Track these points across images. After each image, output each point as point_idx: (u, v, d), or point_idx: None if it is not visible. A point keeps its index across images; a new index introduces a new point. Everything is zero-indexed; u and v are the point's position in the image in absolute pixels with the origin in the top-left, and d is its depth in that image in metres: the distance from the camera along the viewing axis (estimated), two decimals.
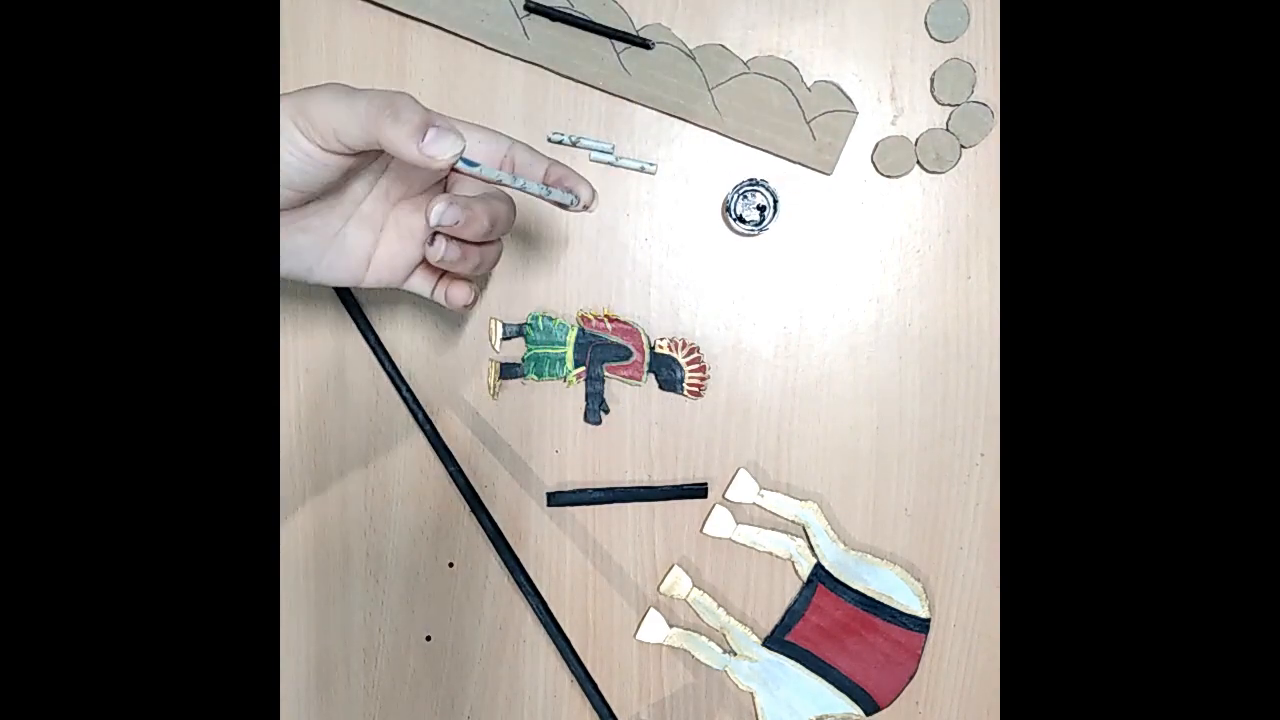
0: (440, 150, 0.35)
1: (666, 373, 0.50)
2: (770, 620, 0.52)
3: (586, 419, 0.50)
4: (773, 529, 0.51)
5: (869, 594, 0.51)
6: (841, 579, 0.51)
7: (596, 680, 0.51)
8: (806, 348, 0.51)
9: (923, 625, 0.51)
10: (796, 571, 0.51)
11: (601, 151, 0.49)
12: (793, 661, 0.51)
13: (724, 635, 0.51)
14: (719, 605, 0.51)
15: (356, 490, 0.51)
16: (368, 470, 0.51)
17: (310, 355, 0.51)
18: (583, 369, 0.50)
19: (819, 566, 0.51)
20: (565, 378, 0.50)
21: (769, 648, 0.51)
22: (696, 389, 0.50)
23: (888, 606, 0.51)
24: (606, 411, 0.50)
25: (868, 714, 0.52)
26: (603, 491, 0.50)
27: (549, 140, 0.49)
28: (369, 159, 0.39)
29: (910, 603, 0.51)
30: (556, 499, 0.50)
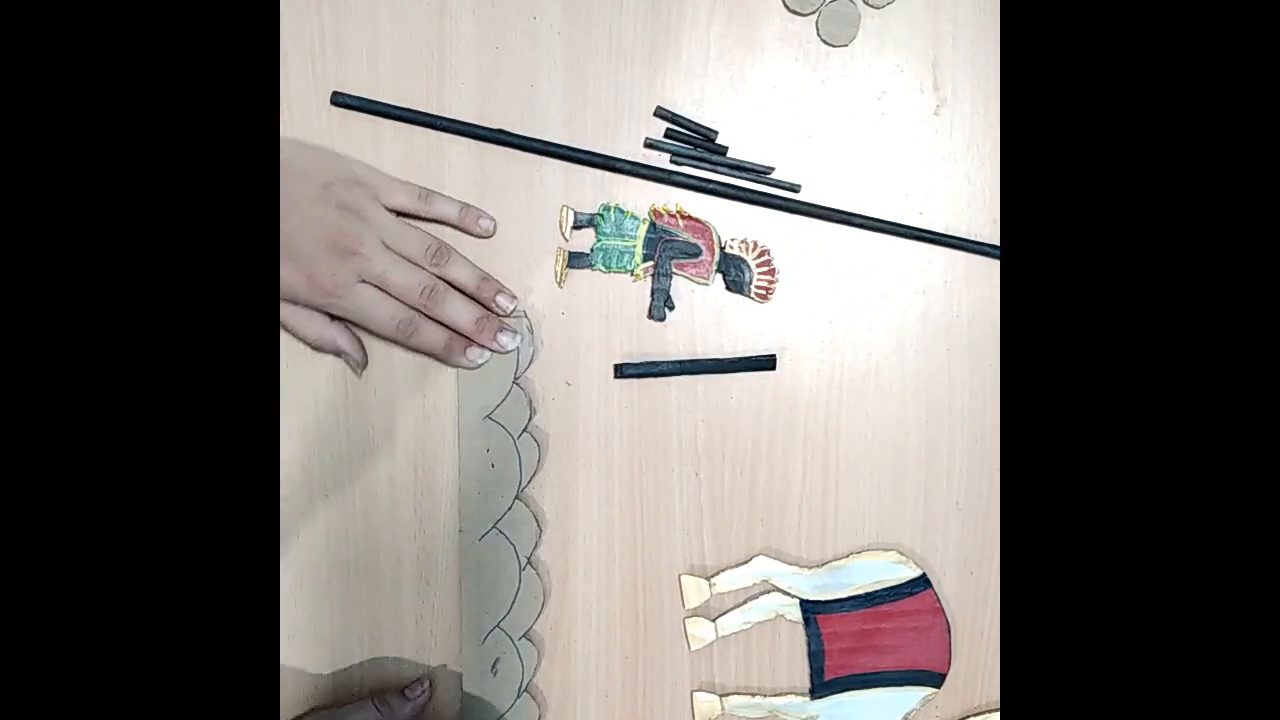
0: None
1: (735, 273, 0.50)
2: (804, 674, 0.51)
3: (650, 315, 0.49)
4: (745, 602, 0.51)
5: (861, 591, 0.50)
6: (830, 597, 0.50)
7: None
8: (853, 342, 0.51)
9: (923, 582, 0.50)
10: (789, 620, 0.51)
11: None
12: (848, 693, 0.50)
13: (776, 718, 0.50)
14: (755, 695, 0.50)
15: (356, 490, 0.50)
16: (367, 471, 0.49)
17: (310, 355, 0.49)
18: (650, 264, 0.49)
19: (803, 602, 0.50)
20: (633, 271, 0.49)
21: (819, 696, 0.50)
22: (765, 292, 0.50)
23: (883, 589, 0.50)
24: (671, 309, 0.50)
25: (938, 687, 0.50)
26: (673, 364, 0.49)
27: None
28: None
29: (897, 572, 0.50)
30: (624, 371, 0.48)
